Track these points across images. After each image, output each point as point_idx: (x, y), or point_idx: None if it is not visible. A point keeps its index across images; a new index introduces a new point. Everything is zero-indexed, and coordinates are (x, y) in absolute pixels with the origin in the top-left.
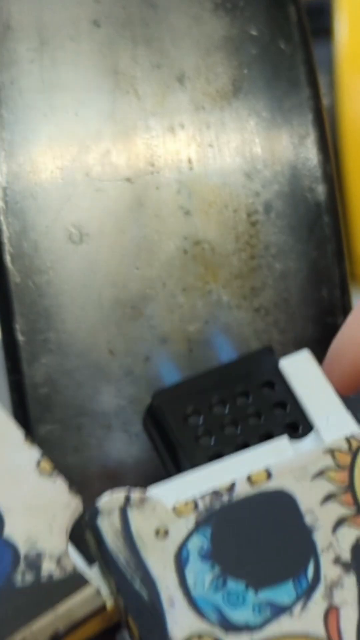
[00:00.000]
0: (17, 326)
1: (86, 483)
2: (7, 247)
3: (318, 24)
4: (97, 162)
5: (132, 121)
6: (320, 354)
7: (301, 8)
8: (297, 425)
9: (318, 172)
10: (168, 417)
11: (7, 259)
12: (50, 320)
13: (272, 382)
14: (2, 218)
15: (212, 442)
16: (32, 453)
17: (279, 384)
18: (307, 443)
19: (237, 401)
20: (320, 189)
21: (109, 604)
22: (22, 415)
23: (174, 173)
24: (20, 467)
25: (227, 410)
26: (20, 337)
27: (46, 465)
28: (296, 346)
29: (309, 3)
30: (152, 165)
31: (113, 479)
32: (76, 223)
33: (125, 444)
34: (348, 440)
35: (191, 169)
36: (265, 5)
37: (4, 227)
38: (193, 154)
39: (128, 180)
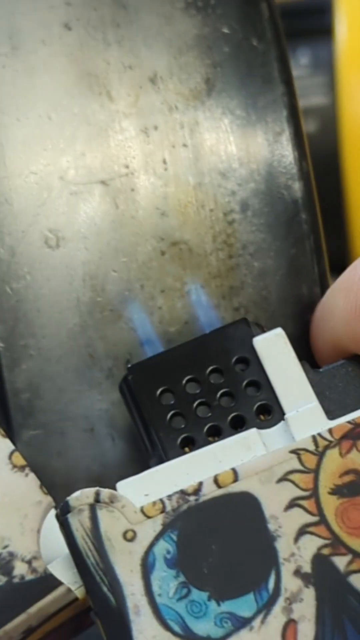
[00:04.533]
0: None
1: (70, 487)
2: None
3: (318, 24)
4: (71, 165)
5: (106, 123)
6: (299, 351)
7: (273, 5)
8: (269, 409)
9: (294, 169)
10: (141, 394)
11: None
12: (29, 325)
13: (247, 359)
14: None
15: (184, 425)
16: (5, 445)
17: (253, 361)
18: (276, 436)
19: (210, 378)
20: (297, 186)
21: (81, 593)
22: (5, 421)
23: (148, 174)
24: None
25: (199, 389)
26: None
27: (18, 458)
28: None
29: (309, 3)
30: (127, 167)
31: (97, 482)
32: (52, 227)
33: (109, 447)
34: (315, 439)
35: (166, 169)
36: (237, 2)
37: None
38: (167, 154)
39: (103, 182)
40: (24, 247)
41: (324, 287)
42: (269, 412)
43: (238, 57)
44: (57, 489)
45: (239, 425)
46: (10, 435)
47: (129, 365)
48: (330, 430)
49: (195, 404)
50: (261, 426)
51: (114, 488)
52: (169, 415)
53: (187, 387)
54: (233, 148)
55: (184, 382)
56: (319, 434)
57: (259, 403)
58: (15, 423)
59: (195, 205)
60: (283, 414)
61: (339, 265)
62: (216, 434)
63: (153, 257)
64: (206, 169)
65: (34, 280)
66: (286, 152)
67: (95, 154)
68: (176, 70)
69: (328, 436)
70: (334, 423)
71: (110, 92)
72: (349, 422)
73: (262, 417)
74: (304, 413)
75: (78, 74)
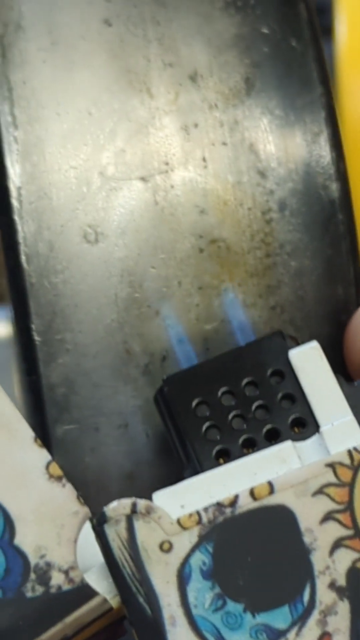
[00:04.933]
0: (34, 326)
1: (103, 483)
2: (22, 247)
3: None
4: (111, 161)
5: (146, 120)
6: (334, 352)
7: (311, 6)
8: (304, 422)
9: (331, 170)
10: (177, 406)
11: (23, 259)
12: (66, 320)
13: (282, 372)
14: (16, 218)
15: (219, 437)
16: (42, 455)
17: (288, 374)
18: (311, 449)
19: (245, 391)
20: (334, 187)
21: (116, 603)
22: (39, 416)
23: (188, 171)
24: (29, 469)
25: (235, 401)
26: (36, 338)
27: (55, 469)
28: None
29: None
30: (167, 164)
31: (130, 478)
32: (91, 223)
33: (142, 443)
34: (350, 453)
35: (205, 167)
36: (276, 3)
37: (19, 227)
38: (207, 152)
39: (142, 179)
40: (63, 242)
41: (359, 288)
42: (304, 425)
43: (277, 58)
44: (89, 485)
45: (273, 437)
46: (44, 430)
47: (165, 377)
48: None
49: (230, 416)
50: (296, 439)
51: (146, 485)
52: (204, 427)
53: (223, 399)
54: (272, 147)
55: (219, 394)
56: (355, 448)
57: (293, 416)
58: (49, 418)
59: (234, 204)
60: (318, 427)
61: None
62: (251, 446)
63: (191, 254)
64: (245, 167)
65: (72, 275)
66: (324, 152)
67: (135, 150)
68: (216, 69)
69: None
70: None
71: (151, 89)
72: None
73: (296, 429)
74: (339, 426)
75: (118, 70)
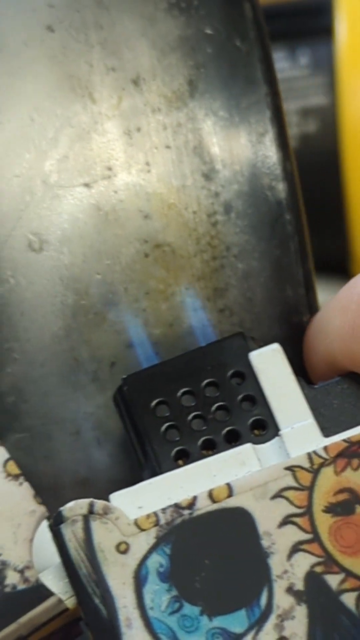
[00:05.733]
0: None
1: (58, 490)
2: None
3: (318, 24)
4: (54, 168)
5: (88, 125)
6: (285, 353)
7: (257, 5)
8: (264, 425)
9: (278, 170)
10: (136, 406)
11: None
12: (13, 329)
13: (243, 373)
14: None
15: (178, 437)
16: (0, 453)
17: (249, 375)
18: (271, 451)
19: (205, 391)
20: (281, 187)
21: (72, 603)
22: None
23: (131, 176)
24: None
25: (195, 402)
26: None
27: (13, 467)
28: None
29: (309, 3)
30: (110, 169)
31: (84, 486)
32: (36, 231)
33: (96, 449)
34: (310, 456)
35: (149, 171)
36: (220, 3)
37: None
38: (150, 156)
39: (86, 185)
40: (8, 251)
41: (308, 289)
42: (264, 427)
43: (221, 58)
44: (44, 492)
45: (233, 439)
46: None
47: (124, 376)
48: (325, 448)
49: (190, 417)
50: (256, 441)
51: (102, 491)
52: (163, 427)
53: (183, 400)
54: (216, 149)
55: (179, 394)
56: (314, 452)
57: (253, 418)
58: (0, 426)
59: (179, 207)
60: (278, 429)
61: (339, 264)
62: (211, 447)
63: (136, 259)
64: (189, 170)
65: (18, 284)
66: (270, 152)
67: (77, 156)
68: (159, 72)
69: (323, 454)
70: (329, 440)
71: (93, 94)
72: (344, 440)
73: (257, 432)
74: (299, 430)
75: (61, 76)
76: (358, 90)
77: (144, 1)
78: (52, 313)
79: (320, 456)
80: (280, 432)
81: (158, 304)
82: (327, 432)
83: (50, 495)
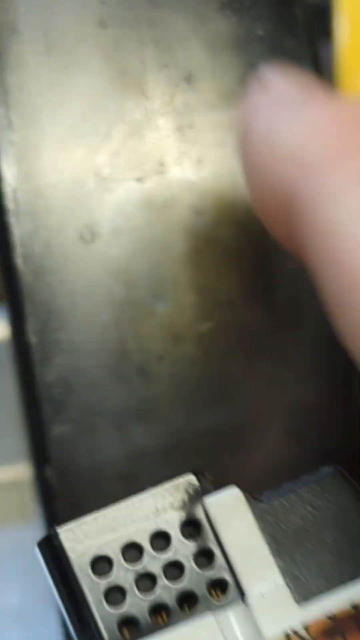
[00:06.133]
0: (29, 327)
1: (100, 483)
2: (19, 248)
3: (318, 24)
4: (106, 162)
5: (141, 122)
6: (333, 353)
7: (308, 7)
8: (224, 585)
9: None
10: (71, 564)
11: (19, 259)
12: (62, 320)
13: (197, 522)
14: (12, 220)
15: (123, 601)
16: None
17: (204, 524)
18: (238, 626)
19: (153, 544)
20: None
21: None
22: (35, 416)
23: (183, 172)
24: None
25: (140, 558)
26: (32, 338)
27: None
28: (311, 343)
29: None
30: (162, 165)
31: (126, 479)
32: (87, 223)
33: (138, 445)
34: (289, 638)
35: (201, 168)
36: (272, 4)
37: (15, 228)
38: (203, 153)
39: (138, 180)
40: (59, 242)
41: None
42: (224, 588)
43: (272, 59)
44: (85, 485)
45: (188, 602)
46: (41, 430)
47: (55, 526)
48: (306, 627)
49: (135, 576)
50: (216, 607)
51: (144, 485)
52: (104, 589)
53: (126, 555)
54: None
55: (121, 547)
56: (294, 631)
57: (213, 578)
58: (45, 418)
59: (230, 204)
60: (242, 592)
61: None
62: (161, 611)
63: (186, 254)
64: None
65: (68, 275)
66: None
67: (130, 151)
68: (212, 70)
69: (304, 634)
70: (306, 613)
71: (146, 91)
72: (328, 617)
73: (216, 594)
74: (269, 597)
75: (113, 72)
76: (358, 90)
77: (196, 1)
78: (101, 304)
79: (301, 637)
80: (247, 600)
81: (206, 299)
82: (297, 588)
83: (92, 488)
